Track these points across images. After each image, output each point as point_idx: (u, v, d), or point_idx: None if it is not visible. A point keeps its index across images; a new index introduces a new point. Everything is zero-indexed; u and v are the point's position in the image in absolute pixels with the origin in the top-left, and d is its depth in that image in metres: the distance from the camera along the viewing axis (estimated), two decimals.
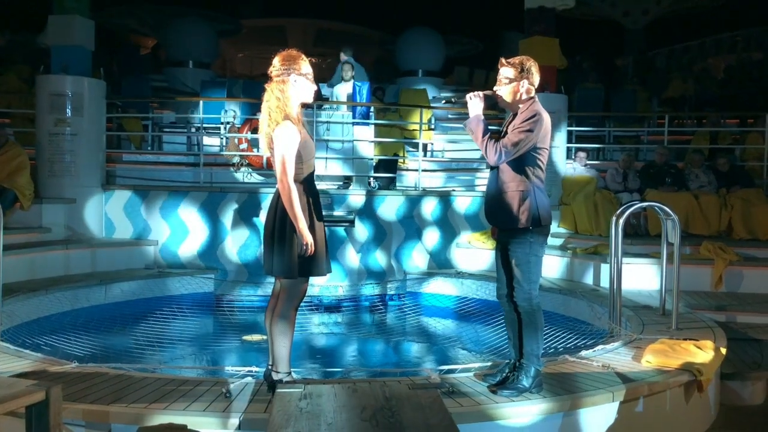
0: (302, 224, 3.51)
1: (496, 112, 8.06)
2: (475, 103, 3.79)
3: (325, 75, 15.37)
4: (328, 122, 9.30)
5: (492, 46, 17.55)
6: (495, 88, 3.81)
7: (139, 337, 6.36)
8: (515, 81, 3.74)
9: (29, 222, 7.67)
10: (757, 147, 9.91)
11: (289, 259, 3.58)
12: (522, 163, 3.69)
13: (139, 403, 3.54)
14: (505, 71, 3.76)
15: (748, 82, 12.82)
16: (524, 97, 3.76)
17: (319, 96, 10.49)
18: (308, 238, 3.53)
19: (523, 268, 3.72)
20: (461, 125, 3.82)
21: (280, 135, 3.53)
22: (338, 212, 8.30)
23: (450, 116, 12.03)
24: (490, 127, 3.78)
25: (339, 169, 9.25)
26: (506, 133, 3.73)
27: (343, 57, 10.67)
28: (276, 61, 3.67)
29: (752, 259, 7.41)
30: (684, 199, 8.25)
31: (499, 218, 3.82)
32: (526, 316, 3.79)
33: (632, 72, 16.30)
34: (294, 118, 3.59)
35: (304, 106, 3.77)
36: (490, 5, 20.30)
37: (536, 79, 3.78)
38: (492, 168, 3.83)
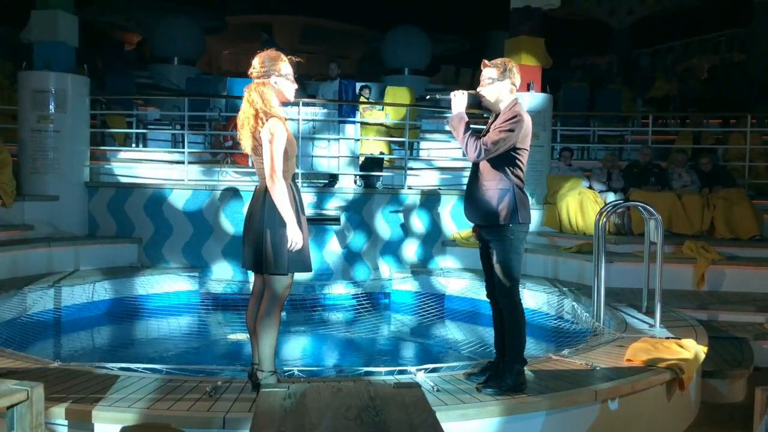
0: (292, 220, 3.53)
1: (481, 111, 8.07)
2: (458, 100, 3.85)
3: (311, 72, 15.36)
4: (314, 120, 9.28)
5: (478, 45, 17.63)
6: (478, 89, 3.87)
7: (122, 336, 6.33)
8: (498, 81, 3.82)
9: (11, 219, 7.59)
10: (740, 147, 10.01)
11: (278, 256, 3.58)
12: (502, 162, 3.76)
13: (123, 402, 3.52)
14: (488, 72, 3.84)
15: (731, 83, 12.94)
16: (507, 96, 3.82)
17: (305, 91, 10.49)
18: (297, 233, 3.54)
19: (503, 265, 3.77)
20: (445, 122, 3.88)
21: (268, 132, 3.53)
22: (324, 210, 8.29)
23: (436, 115, 12.05)
24: (472, 126, 3.83)
25: (325, 167, 9.24)
26: (488, 132, 3.78)
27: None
28: (256, 62, 3.67)
29: (734, 258, 7.49)
30: (667, 198, 8.32)
31: (478, 215, 3.87)
32: (507, 314, 3.83)
33: (617, 71, 16.43)
34: (279, 116, 3.60)
35: (286, 104, 3.77)
36: (476, 4, 20.34)
37: (518, 79, 3.88)
38: (473, 167, 3.89)
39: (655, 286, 5.54)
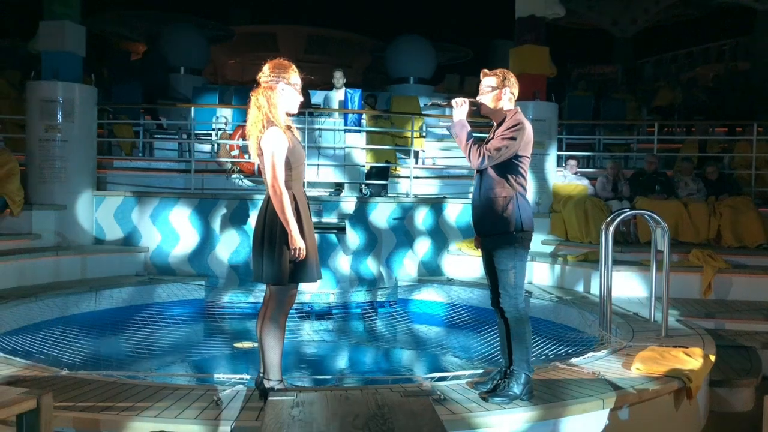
0: (294, 229, 3.53)
1: (487, 119, 8.08)
2: (459, 108, 3.87)
3: (316, 82, 15.44)
4: (320, 129, 9.31)
5: (482, 54, 17.66)
6: (478, 98, 3.92)
7: (129, 344, 6.34)
8: (497, 89, 3.86)
9: (19, 228, 7.64)
10: (746, 155, 9.99)
11: (279, 265, 3.58)
12: (504, 170, 3.79)
13: (130, 410, 3.53)
14: (488, 80, 3.90)
15: (736, 92, 12.94)
16: (507, 105, 3.87)
17: (309, 103, 10.52)
18: (299, 242, 3.54)
19: (507, 273, 3.78)
20: (446, 130, 3.95)
21: (267, 141, 3.55)
22: (330, 219, 8.30)
23: (441, 123, 12.09)
24: (475, 134, 3.86)
25: (331, 176, 9.26)
26: (491, 140, 3.81)
27: None
28: (266, 68, 3.69)
29: (741, 266, 7.46)
30: (673, 206, 8.31)
31: (482, 224, 3.89)
32: (513, 322, 3.83)
33: (621, 80, 16.44)
34: (280, 124, 3.60)
35: (290, 114, 3.78)
36: (481, 13, 20.42)
37: (516, 89, 3.93)
38: (477, 176, 3.93)
39: (662, 295, 5.54)
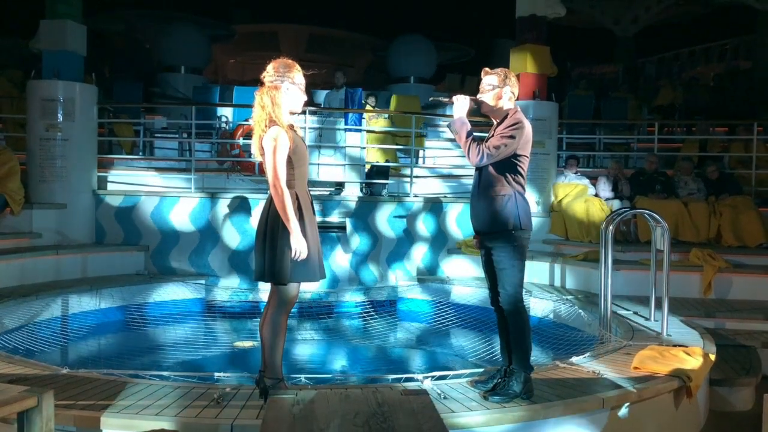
0: (295, 228, 3.53)
1: (487, 118, 8.06)
2: (460, 105, 3.90)
3: (317, 81, 15.46)
4: (320, 128, 9.31)
5: (483, 53, 17.69)
6: (479, 96, 3.93)
7: (130, 343, 6.35)
8: (498, 88, 3.88)
9: (20, 227, 7.64)
10: (742, 155, 9.99)
11: (281, 264, 3.58)
12: (503, 168, 3.80)
13: (131, 408, 3.53)
14: (489, 79, 3.92)
15: (737, 91, 12.95)
16: (507, 104, 3.90)
17: (312, 101, 10.54)
18: (300, 242, 3.54)
19: (506, 272, 3.79)
20: (446, 126, 3.98)
21: (269, 140, 3.55)
22: (330, 218, 8.31)
23: (442, 123, 12.10)
24: (475, 133, 3.88)
25: (331, 175, 9.26)
26: (491, 138, 3.82)
27: None
28: (270, 67, 3.70)
29: (741, 266, 7.47)
30: (673, 206, 8.32)
31: (481, 222, 3.89)
32: (512, 321, 3.84)
33: (622, 80, 16.44)
34: (282, 124, 3.61)
35: (293, 113, 3.79)
36: (482, 12, 20.42)
37: (517, 88, 3.96)
38: (476, 174, 3.94)
39: (662, 294, 5.54)
